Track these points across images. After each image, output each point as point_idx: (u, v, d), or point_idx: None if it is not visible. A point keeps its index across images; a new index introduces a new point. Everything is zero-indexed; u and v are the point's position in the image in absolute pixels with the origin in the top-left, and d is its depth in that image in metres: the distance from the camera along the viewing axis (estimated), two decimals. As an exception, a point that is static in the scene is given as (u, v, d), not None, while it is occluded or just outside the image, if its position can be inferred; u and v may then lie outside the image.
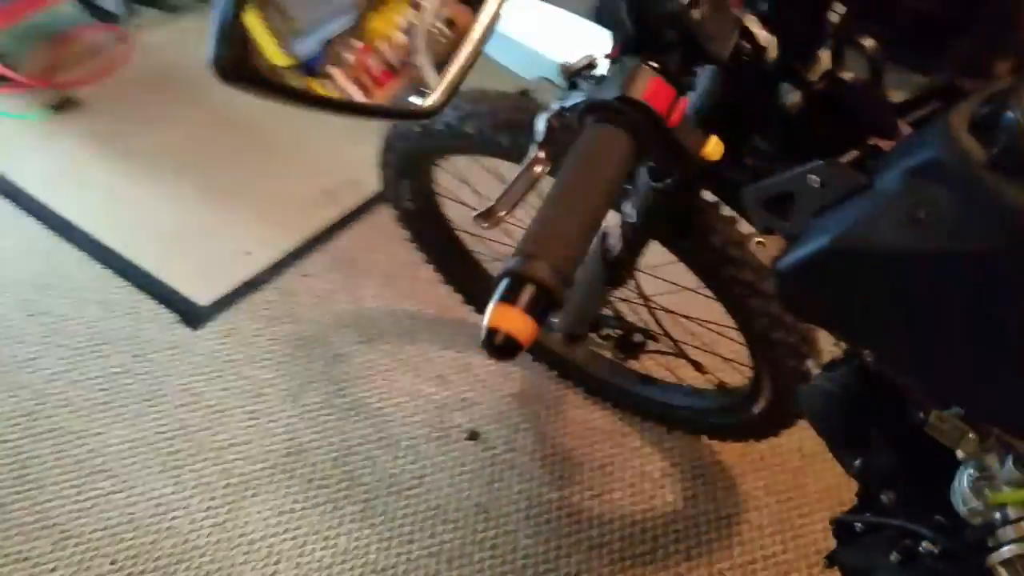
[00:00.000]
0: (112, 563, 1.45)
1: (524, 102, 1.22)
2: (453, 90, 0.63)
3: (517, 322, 0.58)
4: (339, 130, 1.99)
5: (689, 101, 0.77)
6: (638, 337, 1.37)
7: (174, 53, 2.34)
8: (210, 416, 1.64)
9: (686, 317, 1.42)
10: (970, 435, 0.82)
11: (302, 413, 1.64)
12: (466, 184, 1.50)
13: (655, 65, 0.65)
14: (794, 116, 0.82)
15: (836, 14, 0.79)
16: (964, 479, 0.84)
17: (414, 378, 1.70)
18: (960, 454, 0.84)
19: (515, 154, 1.24)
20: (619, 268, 1.16)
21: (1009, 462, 0.80)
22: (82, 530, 1.48)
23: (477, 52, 0.64)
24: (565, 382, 1.70)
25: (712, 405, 1.49)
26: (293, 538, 1.49)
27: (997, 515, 0.80)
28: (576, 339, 1.38)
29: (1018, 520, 0.79)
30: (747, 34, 0.78)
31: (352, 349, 1.74)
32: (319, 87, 0.62)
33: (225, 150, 2.10)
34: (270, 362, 1.71)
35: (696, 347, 1.47)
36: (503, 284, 0.59)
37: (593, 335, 1.42)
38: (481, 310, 1.62)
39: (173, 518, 1.51)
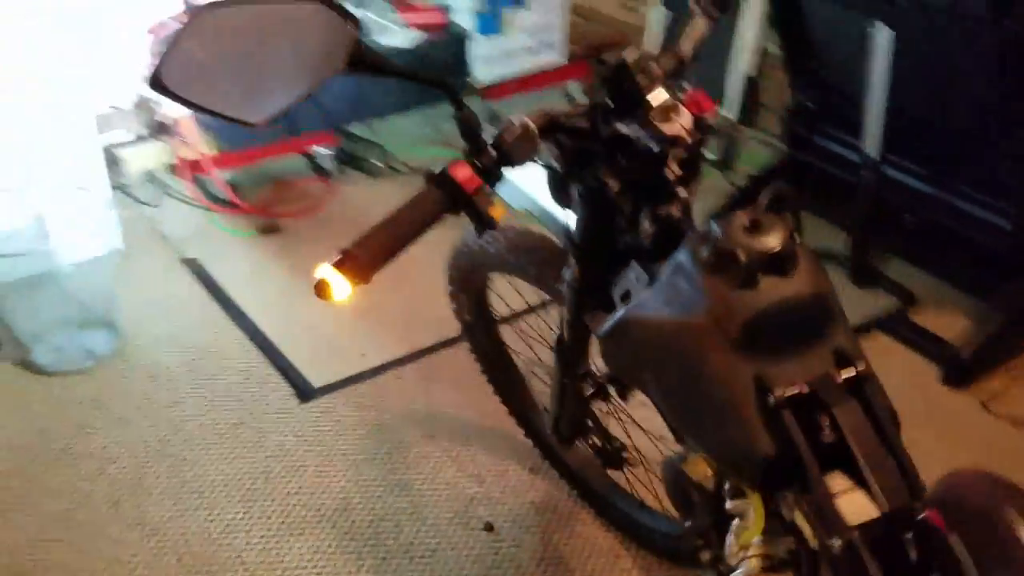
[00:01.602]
0: (178, 560, 1.73)
1: (542, 239, 1.49)
2: (272, 119, 0.90)
3: (335, 280, 0.84)
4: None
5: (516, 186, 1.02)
6: (615, 444, 1.53)
7: (364, 205, 2.80)
8: (290, 468, 1.92)
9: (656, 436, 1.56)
10: (708, 473, 0.96)
11: (358, 480, 1.89)
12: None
13: (475, 162, 0.92)
14: (648, 238, 1.06)
15: (672, 172, 1.03)
16: (732, 527, 0.96)
17: (456, 472, 1.91)
18: (729, 505, 0.97)
19: (533, 276, 1.50)
20: (569, 360, 1.37)
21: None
22: (166, 530, 1.78)
23: (300, 100, 0.90)
24: (581, 502, 1.84)
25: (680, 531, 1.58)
26: (319, 574, 1.71)
27: (741, 554, 0.92)
28: (563, 438, 1.56)
29: (748, 557, 0.91)
30: (600, 179, 1.05)
31: (415, 440, 1.99)
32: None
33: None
34: (349, 438, 1.99)
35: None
36: (336, 256, 0.86)
37: (582, 444, 1.59)
38: (520, 424, 1.81)
39: (234, 537, 1.77)
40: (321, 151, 2.90)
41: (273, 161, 2.86)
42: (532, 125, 0.96)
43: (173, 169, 2.81)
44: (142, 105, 2.85)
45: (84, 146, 2.39)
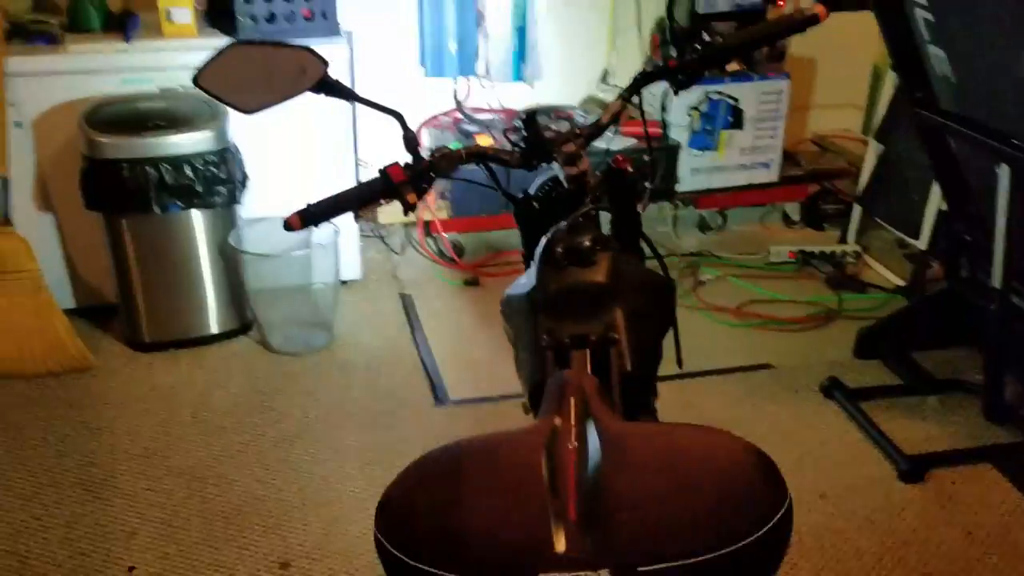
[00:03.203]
0: (300, 490, 2.22)
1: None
2: (260, 110, 1.33)
3: (295, 219, 1.26)
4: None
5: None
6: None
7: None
8: (405, 448, 2.33)
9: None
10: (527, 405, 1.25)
11: (449, 469, 2.28)
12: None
13: (407, 165, 1.30)
14: None
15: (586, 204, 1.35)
16: None
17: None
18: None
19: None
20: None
21: None
22: (300, 470, 2.30)
23: (280, 102, 1.33)
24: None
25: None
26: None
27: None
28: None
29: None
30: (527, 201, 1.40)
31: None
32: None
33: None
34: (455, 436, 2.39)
35: None
36: (301, 207, 1.28)
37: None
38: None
39: (344, 483, 2.24)
40: (533, 228, 3.40)
41: (492, 231, 3.41)
42: (462, 151, 1.35)
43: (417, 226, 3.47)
44: (408, 175, 3.56)
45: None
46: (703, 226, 3.70)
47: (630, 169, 1.38)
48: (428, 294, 3.18)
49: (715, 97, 3.42)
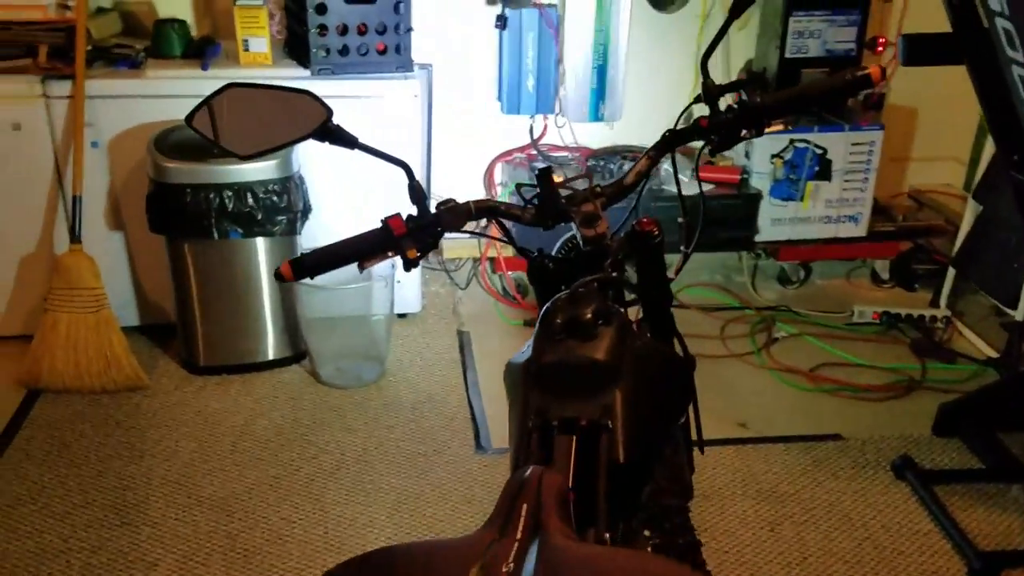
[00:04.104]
0: (324, 533, 2.15)
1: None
2: (255, 156, 1.25)
3: (287, 269, 1.19)
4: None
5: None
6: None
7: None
8: (437, 496, 2.26)
9: None
10: None
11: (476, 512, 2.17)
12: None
13: (410, 218, 1.22)
14: None
15: (607, 268, 1.24)
16: None
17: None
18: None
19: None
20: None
21: None
22: (329, 511, 2.23)
23: (277, 149, 1.25)
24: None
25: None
26: None
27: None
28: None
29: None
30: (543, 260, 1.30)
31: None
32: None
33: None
34: (492, 490, 2.28)
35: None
36: (295, 257, 1.21)
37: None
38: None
39: (370, 531, 2.16)
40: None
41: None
42: (471, 205, 1.25)
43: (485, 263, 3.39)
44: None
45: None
46: (783, 279, 3.50)
47: (656, 231, 1.25)
48: (486, 332, 3.09)
49: (800, 145, 3.23)
